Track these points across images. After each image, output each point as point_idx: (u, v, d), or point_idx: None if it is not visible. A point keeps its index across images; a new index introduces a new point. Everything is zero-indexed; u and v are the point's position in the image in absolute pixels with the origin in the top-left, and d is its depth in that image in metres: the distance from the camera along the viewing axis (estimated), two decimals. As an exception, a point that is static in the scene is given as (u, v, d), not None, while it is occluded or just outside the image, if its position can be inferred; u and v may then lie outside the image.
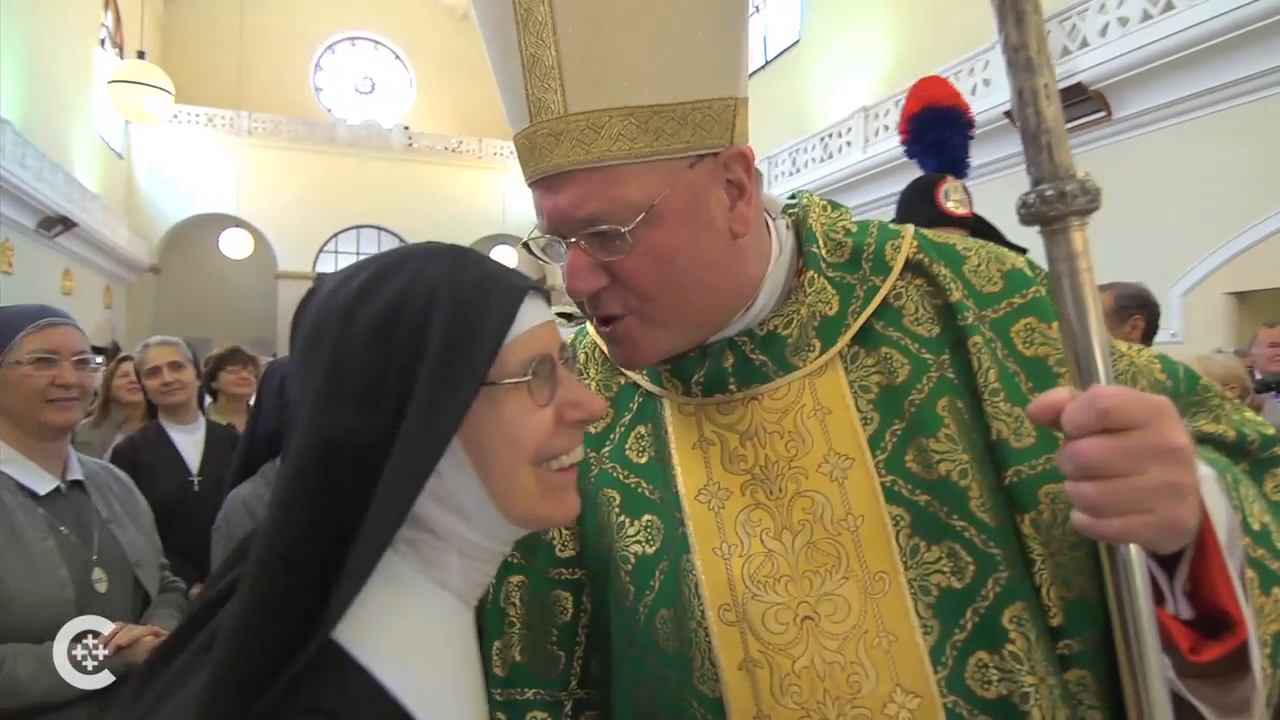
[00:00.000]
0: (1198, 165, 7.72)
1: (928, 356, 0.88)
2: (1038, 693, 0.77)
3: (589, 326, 1.03)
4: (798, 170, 14.20)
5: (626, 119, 0.78)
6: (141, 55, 15.57)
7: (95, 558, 1.93)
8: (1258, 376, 4.78)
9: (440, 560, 0.73)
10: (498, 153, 24.94)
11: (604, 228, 0.79)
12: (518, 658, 0.94)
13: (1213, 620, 0.73)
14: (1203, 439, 0.91)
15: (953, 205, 2.54)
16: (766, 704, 0.78)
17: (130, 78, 14.48)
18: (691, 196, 0.81)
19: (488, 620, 0.95)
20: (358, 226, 23.83)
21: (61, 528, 1.89)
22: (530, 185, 0.85)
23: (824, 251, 0.93)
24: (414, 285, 0.69)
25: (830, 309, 0.90)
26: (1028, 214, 0.68)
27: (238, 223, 20.47)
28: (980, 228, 2.58)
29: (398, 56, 26.95)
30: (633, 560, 0.88)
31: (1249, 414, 0.96)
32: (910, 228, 0.97)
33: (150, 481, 2.80)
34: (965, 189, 2.64)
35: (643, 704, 0.86)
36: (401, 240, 24.16)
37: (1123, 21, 8.16)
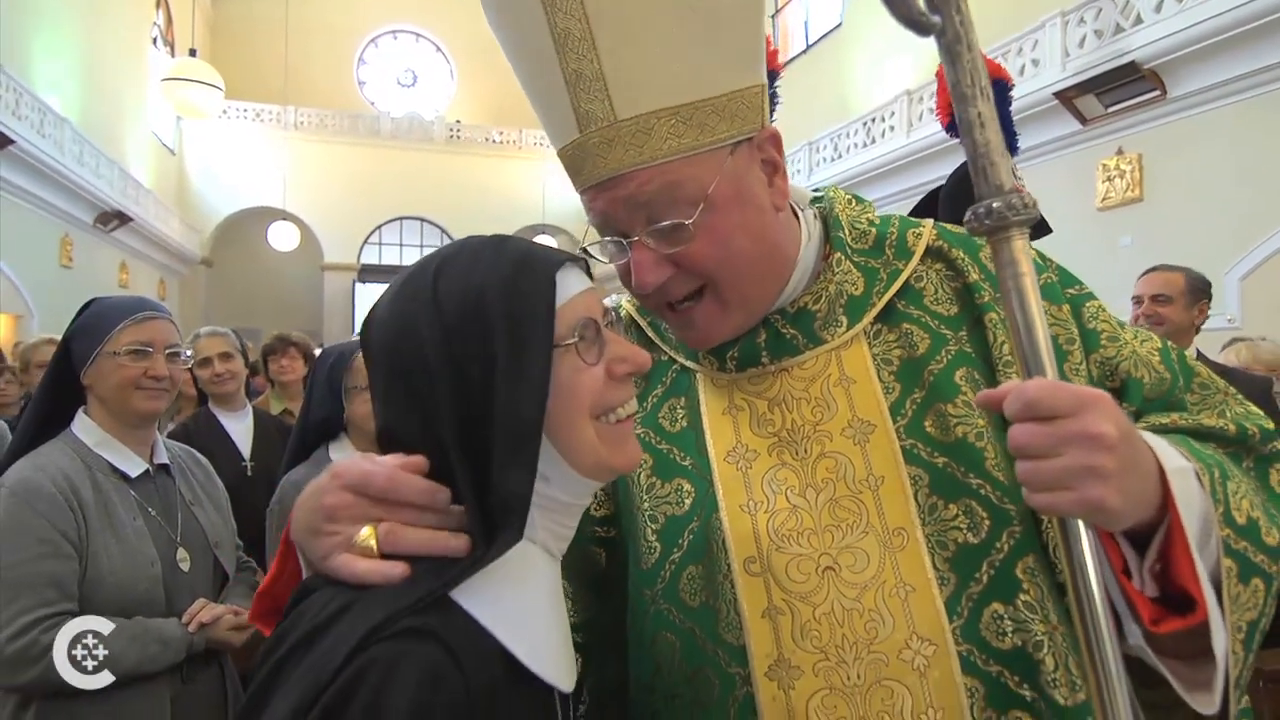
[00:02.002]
0: (1256, 145, 7.45)
1: (946, 332, 0.96)
2: (1051, 640, 0.83)
3: (623, 301, 1.11)
4: (840, 156, 14.03)
5: (672, 118, 0.85)
6: (193, 53, 15.97)
7: (179, 538, 2.03)
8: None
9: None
10: (538, 143, 25.04)
11: (667, 223, 0.85)
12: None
13: (1181, 600, 0.78)
14: (1204, 433, 0.95)
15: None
16: (787, 648, 0.84)
17: (182, 75, 14.85)
18: (736, 180, 0.88)
19: None
20: (400, 218, 24.17)
21: (150, 509, 2.00)
22: (582, 191, 0.91)
23: (849, 238, 1.01)
24: (469, 279, 0.77)
25: (856, 289, 0.98)
26: (971, 227, 0.78)
27: (285, 216, 20.89)
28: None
29: (439, 49, 27.19)
30: (662, 520, 0.94)
31: (1251, 408, 1.00)
32: (929, 220, 1.04)
33: (206, 467, 2.89)
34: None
35: (665, 656, 0.91)
36: (444, 231, 24.46)
37: (1179, -3, 7.90)
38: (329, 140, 23.38)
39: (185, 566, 2.01)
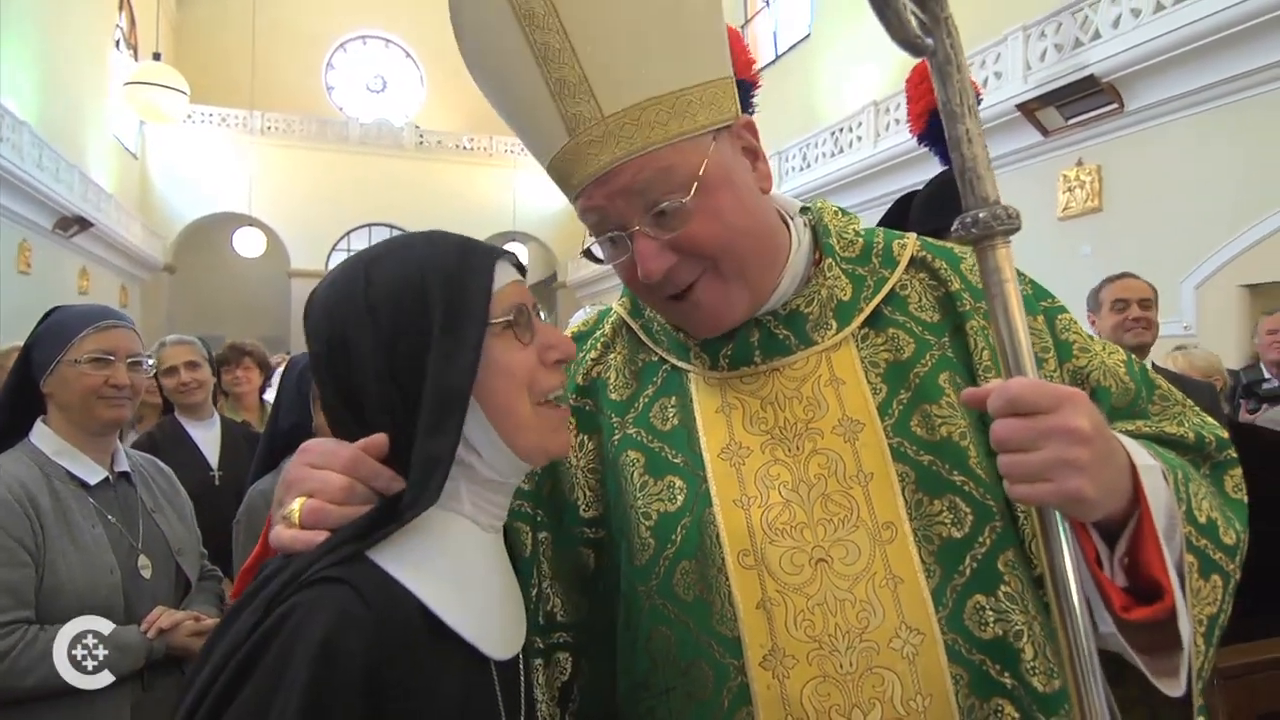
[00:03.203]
0: (1211, 157, 7.66)
1: (930, 338, 1.00)
2: (1030, 630, 0.87)
3: (614, 305, 1.15)
4: (808, 165, 14.18)
5: (656, 107, 0.89)
6: (157, 56, 15.71)
7: (140, 545, 2.02)
8: (1264, 371, 4.78)
9: (452, 490, 0.82)
10: (509, 150, 24.98)
11: (665, 205, 0.89)
12: (547, 606, 1.04)
13: (1149, 593, 0.83)
14: (1166, 440, 1.01)
15: None
16: (781, 638, 0.86)
17: (146, 79, 14.60)
18: (723, 163, 0.93)
19: (525, 571, 1.02)
20: (369, 225, 23.96)
21: (109, 516, 1.99)
22: (577, 195, 0.94)
23: (838, 246, 1.06)
24: (407, 265, 0.83)
25: (845, 294, 1.02)
26: (959, 235, 0.82)
27: (251, 222, 20.62)
28: None
29: (408, 55, 27.06)
30: (654, 516, 0.96)
31: (1207, 419, 1.06)
32: (912, 233, 1.09)
33: (171, 476, 2.84)
34: None
35: (660, 651, 0.93)
36: (413, 238, 24.26)
37: (1135, 12, 8.11)
38: (296, 145, 23.12)
39: (147, 574, 1.99)
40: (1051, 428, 0.74)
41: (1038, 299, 1.04)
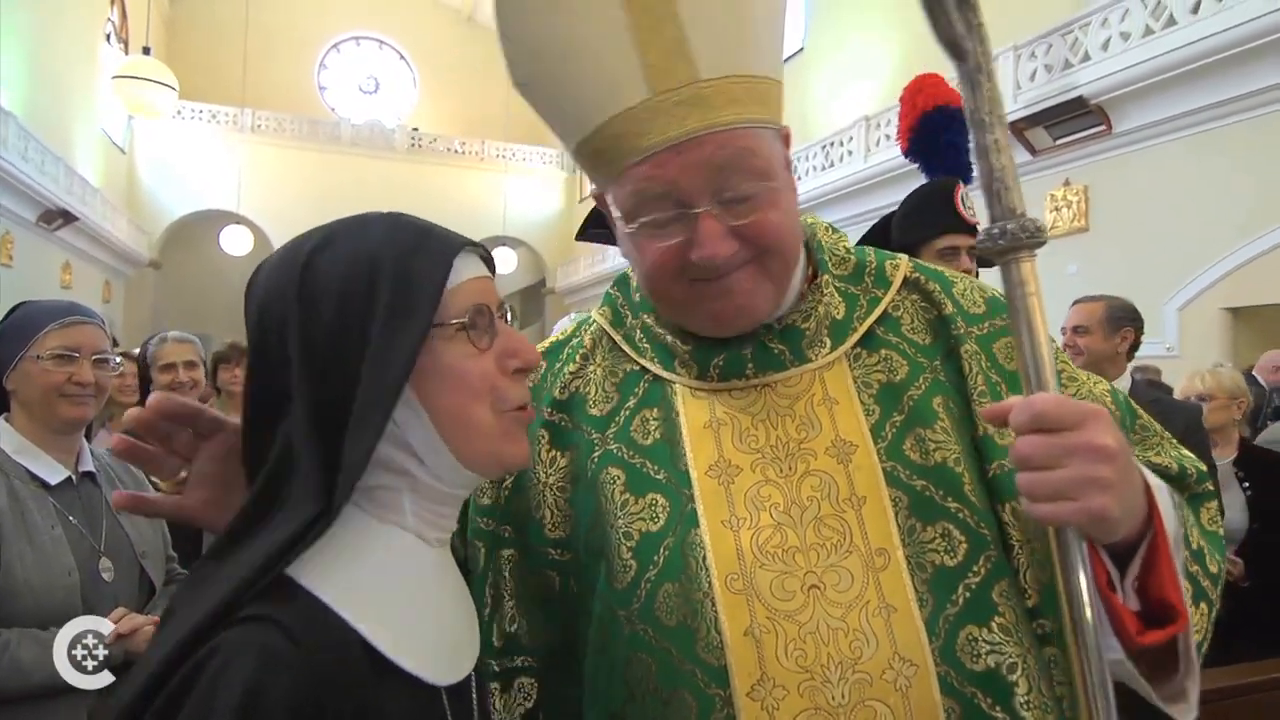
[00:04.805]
0: (1196, 180, 7.75)
1: (923, 361, 0.97)
2: (1024, 663, 0.84)
3: (594, 314, 1.10)
4: (800, 178, 14.25)
5: (747, 85, 0.86)
6: (146, 51, 15.62)
7: (102, 547, 1.96)
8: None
9: (393, 503, 0.78)
10: (500, 155, 24.97)
11: (745, 189, 0.86)
12: (509, 628, 0.98)
13: (1155, 616, 0.81)
14: (1151, 468, 0.98)
15: (969, 213, 2.40)
16: (771, 667, 0.82)
17: (135, 73, 14.52)
18: (783, 161, 0.92)
19: (477, 590, 0.97)
20: (359, 226, 23.82)
21: (70, 517, 1.94)
22: (641, 161, 0.86)
23: (831, 264, 1.03)
24: (358, 252, 0.76)
25: (839, 313, 0.99)
26: (984, 249, 0.80)
27: (238, 220, 20.47)
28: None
29: (402, 57, 27.01)
30: (636, 536, 0.91)
31: (1183, 451, 1.06)
32: (904, 255, 1.08)
33: (145, 476, 2.81)
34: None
35: (638, 678, 0.88)
36: (402, 240, 24.21)
37: (1124, 36, 8.21)
38: (287, 144, 23.00)
39: (109, 576, 1.95)
40: (1077, 445, 0.73)
41: (977, 321, 1.01)
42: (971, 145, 0.82)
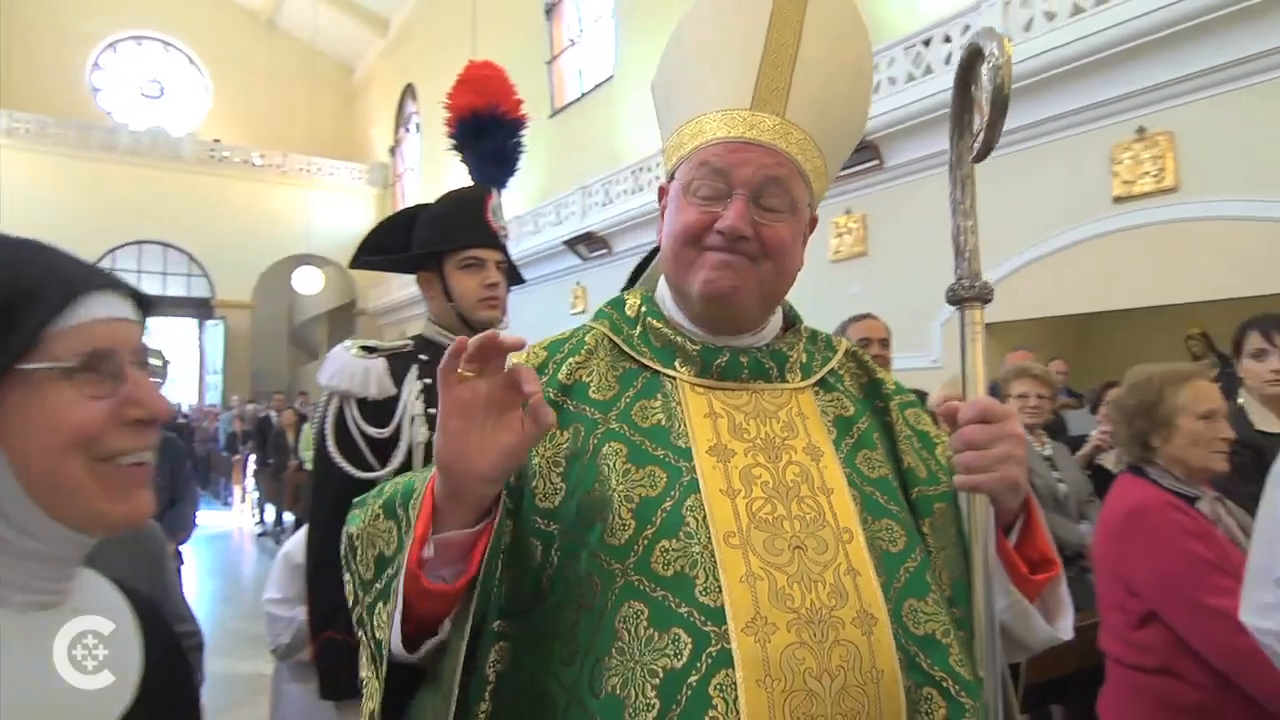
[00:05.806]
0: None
1: (863, 408, 1.22)
2: (954, 632, 1.05)
3: (594, 324, 1.25)
4: (610, 201, 14.59)
5: (810, 146, 1.13)
6: None
7: None
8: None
9: None
10: (303, 169, 23.79)
11: (773, 202, 1.09)
12: (503, 592, 1.07)
13: (1036, 568, 1.13)
14: None
15: (499, 224, 2.32)
16: (764, 608, 0.96)
17: None
18: (803, 223, 1.16)
19: (490, 560, 1.02)
20: (139, 241, 21.83)
21: None
22: (716, 142, 1.10)
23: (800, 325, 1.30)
24: None
25: (804, 359, 1.23)
26: (951, 296, 1.17)
27: (-9, 233, 18.14)
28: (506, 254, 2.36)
29: (192, 61, 25.12)
30: (636, 500, 1.04)
31: None
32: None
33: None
34: None
35: (630, 623, 0.97)
36: (191, 258, 22.41)
37: (892, 81, 9.17)
38: (50, 150, 20.73)
39: None
40: (1005, 432, 1.03)
41: (897, 393, 1.26)
42: (956, 226, 1.23)
